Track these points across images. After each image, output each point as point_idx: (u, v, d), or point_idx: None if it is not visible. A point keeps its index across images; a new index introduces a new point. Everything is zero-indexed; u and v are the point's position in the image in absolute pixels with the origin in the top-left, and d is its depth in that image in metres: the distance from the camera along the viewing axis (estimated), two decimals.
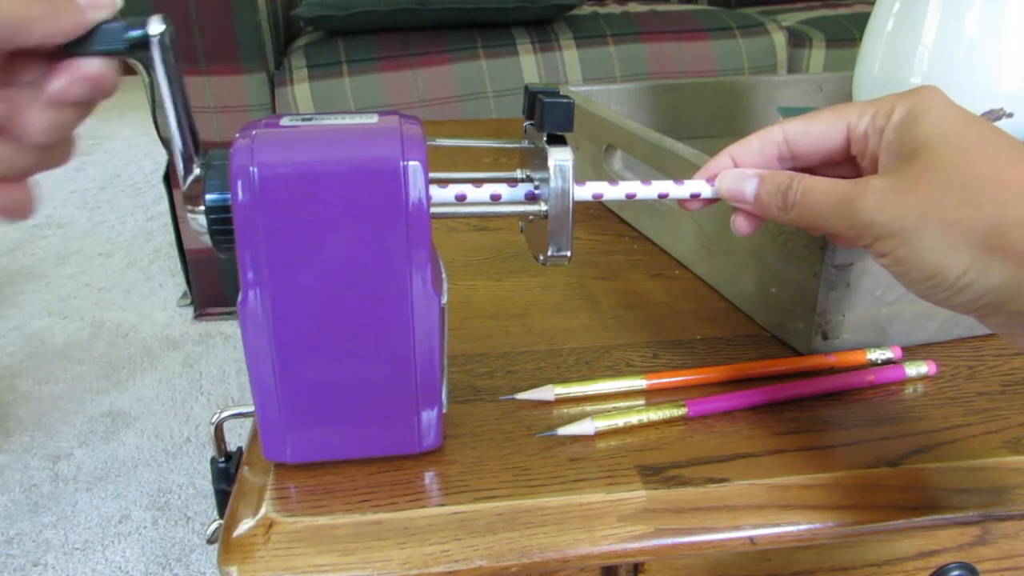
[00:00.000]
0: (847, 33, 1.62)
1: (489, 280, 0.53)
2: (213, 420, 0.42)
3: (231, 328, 1.63)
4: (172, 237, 1.62)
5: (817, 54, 1.61)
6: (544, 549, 0.31)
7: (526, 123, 0.35)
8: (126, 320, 1.69)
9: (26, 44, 0.26)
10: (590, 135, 0.64)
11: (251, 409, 0.34)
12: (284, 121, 0.31)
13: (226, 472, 0.43)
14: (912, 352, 0.43)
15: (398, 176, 0.29)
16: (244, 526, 0.32)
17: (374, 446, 0.34)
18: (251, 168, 0.28)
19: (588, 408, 0.39)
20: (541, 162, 0.32)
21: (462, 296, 0.50)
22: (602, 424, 0.37)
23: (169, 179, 1.52)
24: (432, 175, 0.33)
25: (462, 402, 0.39)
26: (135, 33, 0.28)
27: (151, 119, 1.43)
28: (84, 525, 1.13)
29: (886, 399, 0.40)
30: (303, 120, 0.31)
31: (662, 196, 0.35)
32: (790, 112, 0.67)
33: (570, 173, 0.31)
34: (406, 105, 1.41)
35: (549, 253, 0.33)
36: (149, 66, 0.29)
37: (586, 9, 1.64)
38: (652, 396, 0.40)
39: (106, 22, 0.28)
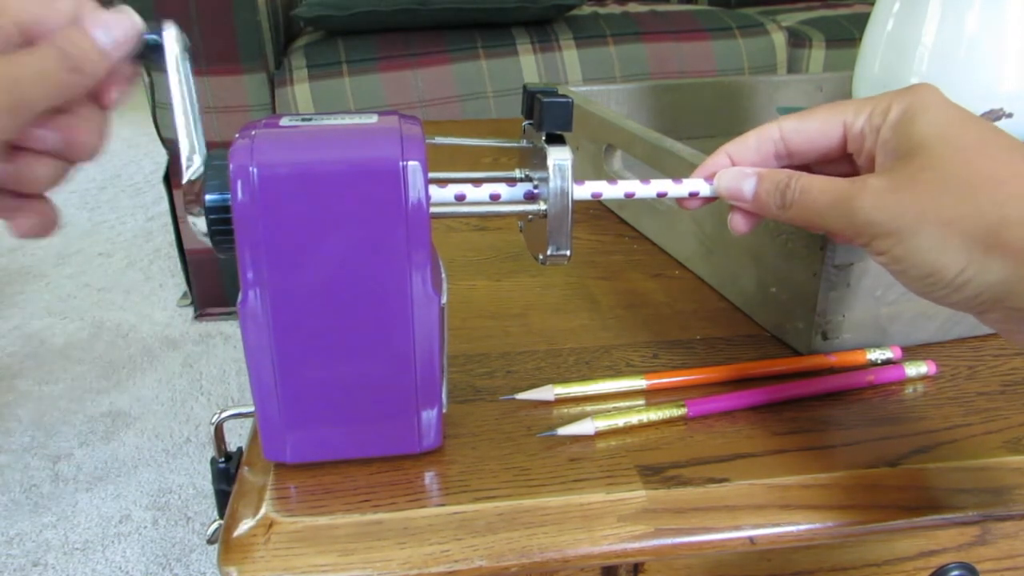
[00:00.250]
0: (847, 33, 1.62)
1: (489, 280, 0.53)
2: (213, 420, 0.42)
3: (231, 328, 1.63)
4: (172, 237, 1.62)
5: (817, 54, 1.61)
6: (544, 549, 0.31)
7: (525, 123, 0.35)
8: (126, 320, 1.69)
9: (67, 98, 0.28)
10: (590, 135, 0.64)
11: (251, 409, 0.34)
12: (284, 121, 0.31)
13: (226, 472, 0.43)
14: (912, 352, 0.43)
15: (398, 176, 0.29)
16: (244, 526, 0.32)
17: (374, 446, 0.34)
18: (251, 168, 0.28)
19: (588, 408, 0.39)
20: (540, 162, 0.32)
21: (462, 296, 0.50)
22: (602, 424, 0.37)
23: (169, 179, 1.52)
24: (432, 175, 0.33)
25: (462, 402, 0.39)
26: (151, 37, 0.29)
27: (151, 119, 1.43)
28: (84, 525, 1.13)
29: (886, 399, 0.40)
30: (303, 120, 0.31)
31: (661, 195, 0.35)
32: (789, 112, 0.67)
33: (569, 172, 0.31)
34: (406, 105, 1.41)
35: (548, 253, 0.33)
36: (161, 68, 0.30)
37: (586, 9, 1.64)
38: (652, 396, 0.40)
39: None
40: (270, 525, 0.32)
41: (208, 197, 0.30)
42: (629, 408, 0.38)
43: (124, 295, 1.80)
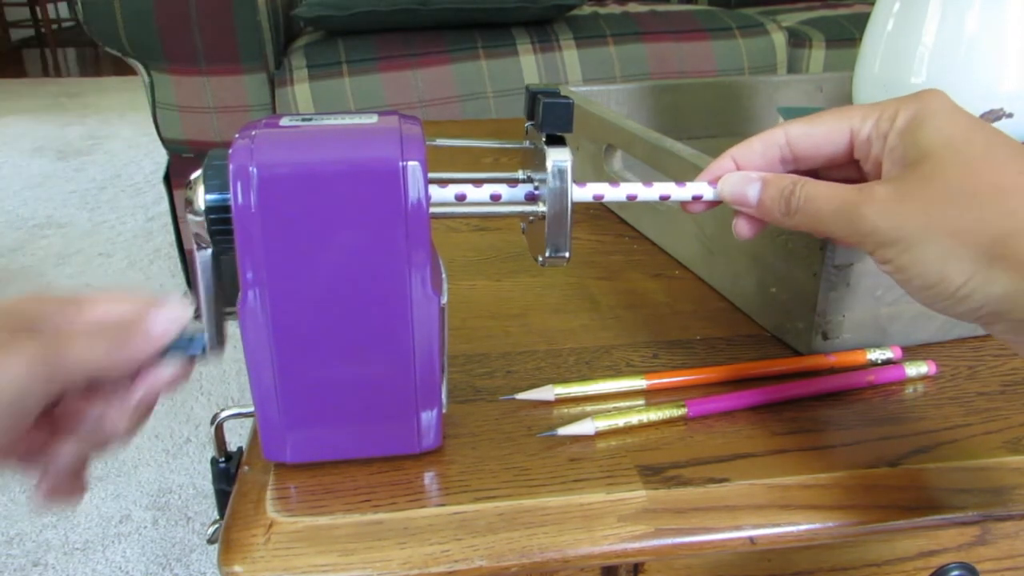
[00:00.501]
0: (847, 33, 1.62)
1: (489, 280, 0.53)
2: (213, 420, 0.42)
3: (231, 328, 1.63)
4: (172, 237, 1.61)
5: (817, 54, 1.61)
6: (544, 549, 0.31)
7: (528, 124, 0.35)
8: None
9: (99, 378, 0.29)
10: (590, 135, 0.64)
11: (251, 409, 0.34)
12: (284, 121, 0.31)
13: (226, 472, 0.43)
14: (912, 352, 0.43)
15: (397, 176, 0.29)
16: (244, 526, 0.32)
17: (374, 446, 0.34)
18: (251, 168, 0.28)
19: (588, 408, 0.39)
20: (541, 163, 0.32)
21: (462, 296, 0.50)
22: (602, 424, 0.37)
23: (169, 179, 1.52)
24: (432, 175, 0.33)
25: (462, 402, 0.39)
26: (194, 352, 0.32)
27: (151, 119, 1.43)
28: (84, 525, 1.13)
29: (886, 399, 0.40)
30: (303, 120, 0.31)
31: (664, 198, 0.35)
32: (790, 112, 0.67)
33: (568, 174, 0.31)
34: (406, 105, 1.41)
35: (547, 254, 0.33)
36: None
37: (586, 9, 1.64)
38: (652, 396, 0.40)
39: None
40: (270, 525, 0.32)
41: (208, 197, 0.30)
42: (629, 408, 0.38)
43: None
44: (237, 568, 0.30)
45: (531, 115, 0.34)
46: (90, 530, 1.12)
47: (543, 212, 0.32)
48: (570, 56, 1.47)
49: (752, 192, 0.33)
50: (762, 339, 0.46)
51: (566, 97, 0.32)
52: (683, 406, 0.38)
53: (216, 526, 0.35)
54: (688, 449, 0.36)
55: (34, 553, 1.09)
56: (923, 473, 0.35)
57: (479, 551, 0.31)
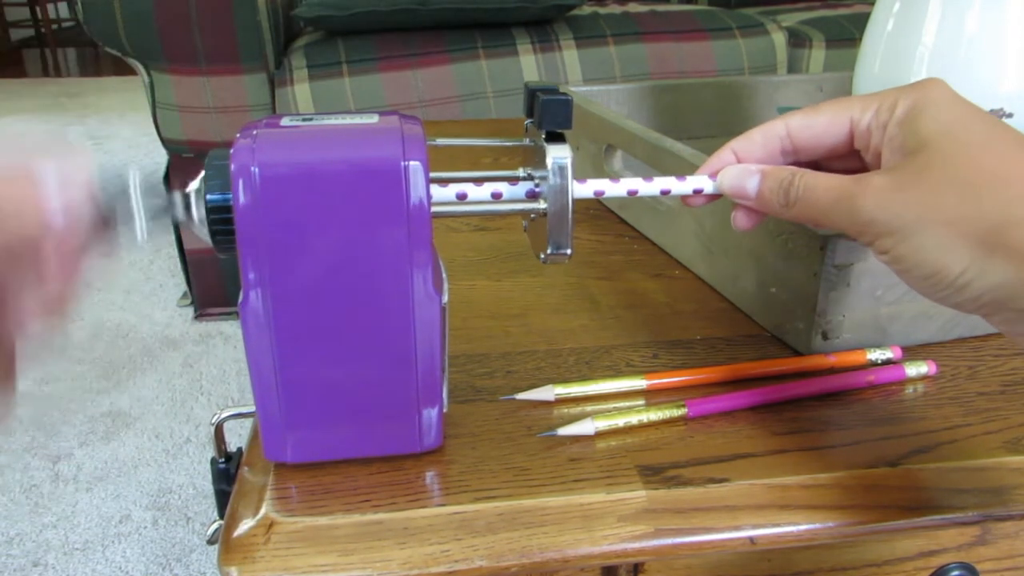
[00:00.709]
0: (847, 33, 1.62)
1: (489, 280, 0.53)
2: (213, 420, 0.42)
3: (231, 328, 1.63)
4: (172, 237, 1.61)
5: (817, 54, 1.61)
6: (544, 549, 0.31)
7: (527, 122, 0.35)
8: (126, 320, 1.69)
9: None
10: (590, 135, 0.64)
11: (251, 409, 0.34)
12: (285, 121, 0.31)
13: (226, 472, 0.43)
14: (912, 352, 0.43)
15: (399, 176, 0.29)
16: (244, 526, 0.32)
17: (374, 446, 0.34)
18: (252, 168, 0.28)
19: (588, 408, 0.39)
20: (541, 160, 0.32)
21: (462, 296, 0.50)
22: (602, 424, 0.37)
23: (169, 179, 1.51)
24: (432, 175, 0.33)
25: (462, 402, 0.39)
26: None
27: (151, 119, 1.43)
28: (84, 525, 1.13)
29: (886, 399, 0.40)
30: (304, 120, 0.31)
31: (664, 192, 0.35)
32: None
33: (568, 170, 0.31)
34: (406, 105, 1.41)
35: (549, 251, 0.33)
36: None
37: (586, 9, 1.64)
38: (652, 396, 0.40)
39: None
40: (270, 525, 0.32)
41: (209, 197, 0.30)
42: (629, 408, 0.38)
43: (124, 295, 1.80)
44: (237, 568, 0.30)
45: (530, 113, 0.34)
46: (90, 530, 1.12)
47: (544, 209, 0.32)
48: (570, 56, 1.47)
49: (751, 184, 0.33)
50: (762, 339, 0.46)
51: (565, 94, 0.32)
52: (683, 406, 0.38)
53: (216, 526, 0.35)
54: (688, 449, 0.36)
55: (34, 553, 1.09)
56: (923, 473, 0.35)
57: (479, 551, 0.31)
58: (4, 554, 1.08)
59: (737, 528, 0.32)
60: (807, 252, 0.41)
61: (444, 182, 0.33)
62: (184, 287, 1.73)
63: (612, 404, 0.39)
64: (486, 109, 1.45)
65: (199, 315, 1.66)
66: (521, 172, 0.35)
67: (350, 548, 0.31)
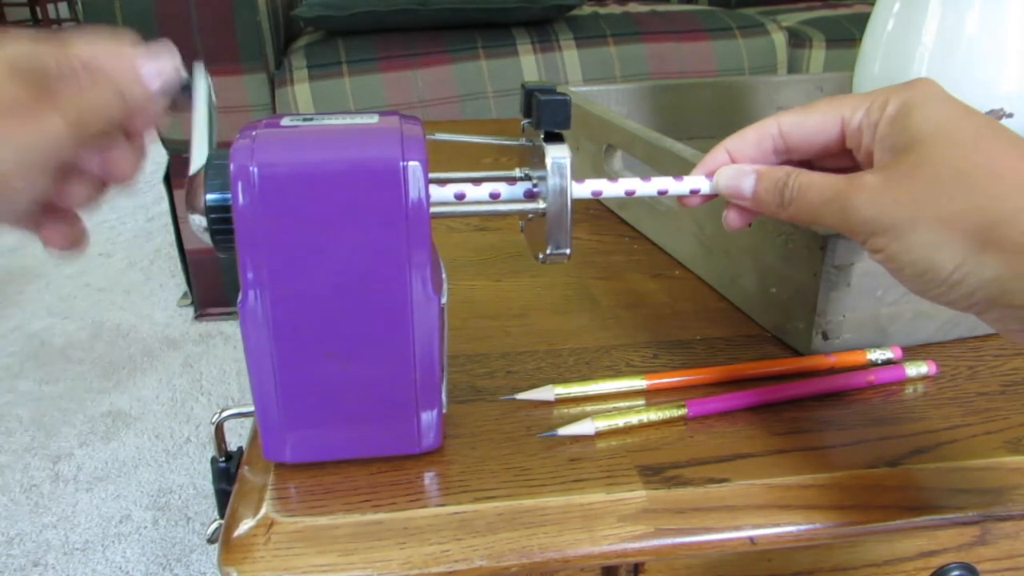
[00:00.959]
0: (847, 33, 1.62)
1: (489, 280, 0.53)
2: (213, 420, 0.42)
3: (231, 328, 1.63)
4: (172, 237, 1.62)
5: (817, 54, 1.61)
6: (544, 549, 0.31)
7: (524, 122, 0.35)
8: (126, 320, 1.69)
9: (113, 127, 0.32)
10: (590, 135, 0.64)
11: (251, 409, 0.34)
12: (284, 121, 0.31)
13: (226, 472, 0.43)
14: (912, 352, 0.43)
15: (398, 176, 0.29)
16: (244, 526, 0.32)
17: (374, 446, 0.34)
18: (251, 168, 0.28)
19: (588, 408, 0.39)
20: (539, 160, 0.32)
21: (462, 296, 0.50)
22: (602, 424, 0.37)
23: (169, 179, 1.52)
24: (431, 175, 0.33)
25: (462, 402, 0.39)
26: (184, 76, 0.33)
27: None
28: (84, 525, 1.13)
29: (886, 399, 0.40)
30: (303, 120, 0.31)
31: (661, 192, 0.35)
32: None
33: (567, 170, 0.31)
34: (406, 105, 1.41)
35: (548, 251, 0.33)
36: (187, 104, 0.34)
37: (586, 9, 1.64)
38: (652, 396, 0.40)
39: None
40: (270, 525, 0.32)
41: (209, 197, 0.30)
42: (629, 408, 0.38)
43: (124, 295, 1.80)
44: (237, 568, 0.30)
45: (527, 113, 0.34)
46: (90, 530, 1.12)
47: (543, 209, 0.32)
48: (570, 56, 1.47)
49: (747, 185, 0.33)
50: (762, 339, 0.46)
51: (563, 94, 0.32)
52: (683, 406, 0.38)
53: (216, 526, 0.35)
54: (688, 449, 0.36)
55: (34, 553, 1.09)
56: (923, 473, 0.35)
57: (479, 551, 0.31)
58: (4, 554, 1.08)
59: (737, 528, 0.32)
60: (807, 252, 0.41)
61: (443, 182, 0.33)
62: (184, 287, 1.73)
63: (612, 404, 0.39)
64: (486, 109, 1.45)
65: (199, 315, 1.66)
66: (518, 172, 0.35)
67: (350, 548, 0.31)
